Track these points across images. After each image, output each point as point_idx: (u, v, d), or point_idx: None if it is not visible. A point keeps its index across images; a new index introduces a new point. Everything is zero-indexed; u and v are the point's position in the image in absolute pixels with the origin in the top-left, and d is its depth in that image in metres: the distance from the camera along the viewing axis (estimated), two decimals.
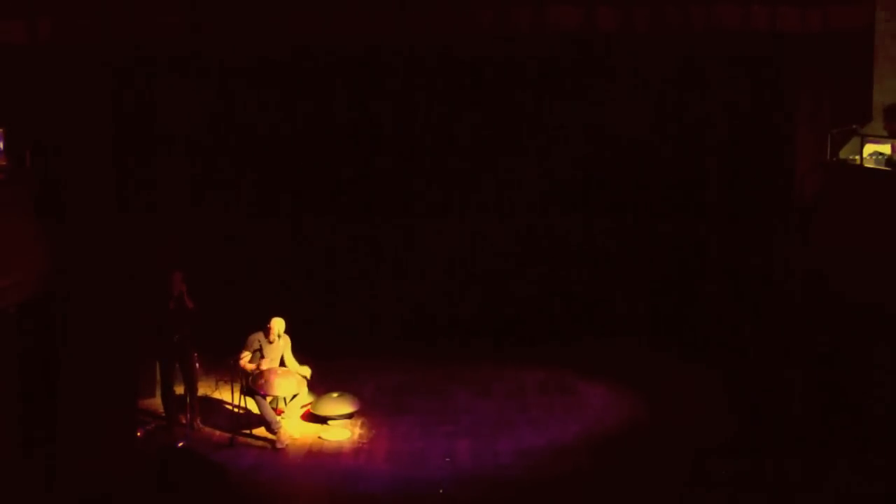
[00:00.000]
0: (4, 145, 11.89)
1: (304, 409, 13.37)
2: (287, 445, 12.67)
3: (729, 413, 13.16)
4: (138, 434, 12.82)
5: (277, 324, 13.03)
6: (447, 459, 12.25)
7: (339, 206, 16.05)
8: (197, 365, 13.19)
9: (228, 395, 13.47)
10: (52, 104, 12.30)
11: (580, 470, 12.00)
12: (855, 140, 12.09)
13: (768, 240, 13.51)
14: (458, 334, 15.94)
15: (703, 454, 12.04)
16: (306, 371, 13.07)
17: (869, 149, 11.81)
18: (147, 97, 13.99)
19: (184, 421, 13.10)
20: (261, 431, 12.90)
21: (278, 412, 12.95)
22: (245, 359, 12.96)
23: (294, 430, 12.97)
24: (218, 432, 13.04)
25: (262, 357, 13.00)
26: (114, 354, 12.68)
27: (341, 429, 13.09)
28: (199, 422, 13.12)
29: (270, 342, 13.02)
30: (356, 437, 12.95)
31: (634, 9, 12.12)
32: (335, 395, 13.43)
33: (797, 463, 11.72)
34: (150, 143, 14.41)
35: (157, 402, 13.55)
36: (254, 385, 12.80)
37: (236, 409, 13.08)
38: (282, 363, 13.10)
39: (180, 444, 12.30)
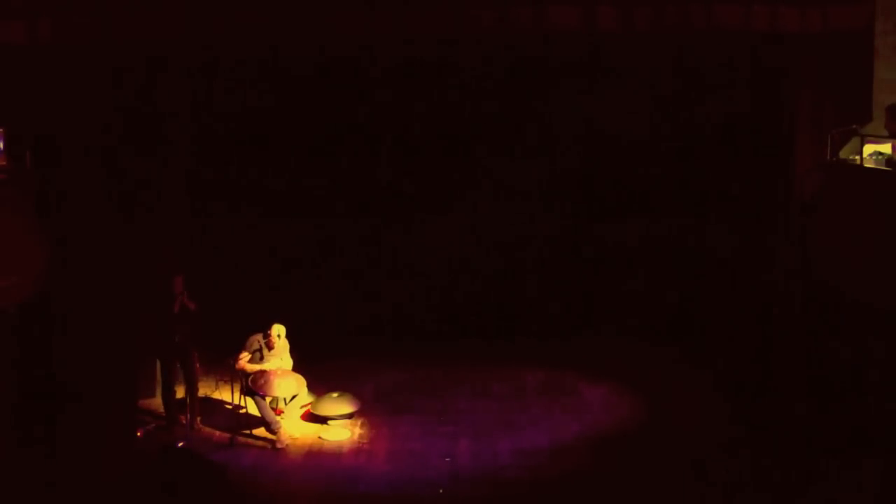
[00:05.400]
0: (4, 145, 11.88)
1: (304, 409, 13.37)
2: (287, 445, 12.68)
3: (729, 413, 13.14)
4: (138, 434, 12.83)
5: (277, 331, 13.03)
6: (447, 459, 12.26)
7: (339, 206, 16.03)
8: (197, 365, 13.19)
9: (228, 395, 13.49)
10: (52, 104, 12.30)
11: (580, 470, 12.01)
12: (855, 140, 12.07)
13: (768, 240, 13.51)
14: (458, 334, 15.94)
15: (702, 454, 12.05)
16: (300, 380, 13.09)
17: (869, 149, 11.79)
18: (147, 97, 13.97)
19: (184, 421, 13.10)
20: (261, 431, 12.90)
21: (278, 412, 12.96)
22: (244, 359, 12.97)
23: (294, 430, 12.98)
24: (218, 432, 13.05)
25: (262, 360, 13.01)
26: (114, 354, 12.68)
27: (341, 429, 13.09)
28: (199, 422, 13.12)
29: (270, 349, 13.03)
30: (356, 437, 12.96)
31: (634, 9, 12.12)
32: (335, 395, 13.44)
33: (797, 463, 11.72)
34: (150, 143, 14.40)
35: (157, 402, 13.56)
36: (254, 385, 12.81)
37: (236, 409, 13.07)
38: None
39: (180, 444, 12.31)
